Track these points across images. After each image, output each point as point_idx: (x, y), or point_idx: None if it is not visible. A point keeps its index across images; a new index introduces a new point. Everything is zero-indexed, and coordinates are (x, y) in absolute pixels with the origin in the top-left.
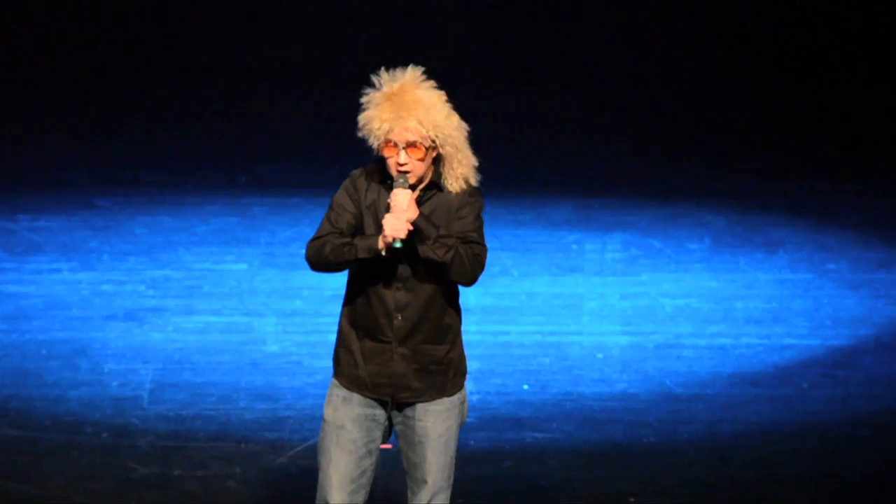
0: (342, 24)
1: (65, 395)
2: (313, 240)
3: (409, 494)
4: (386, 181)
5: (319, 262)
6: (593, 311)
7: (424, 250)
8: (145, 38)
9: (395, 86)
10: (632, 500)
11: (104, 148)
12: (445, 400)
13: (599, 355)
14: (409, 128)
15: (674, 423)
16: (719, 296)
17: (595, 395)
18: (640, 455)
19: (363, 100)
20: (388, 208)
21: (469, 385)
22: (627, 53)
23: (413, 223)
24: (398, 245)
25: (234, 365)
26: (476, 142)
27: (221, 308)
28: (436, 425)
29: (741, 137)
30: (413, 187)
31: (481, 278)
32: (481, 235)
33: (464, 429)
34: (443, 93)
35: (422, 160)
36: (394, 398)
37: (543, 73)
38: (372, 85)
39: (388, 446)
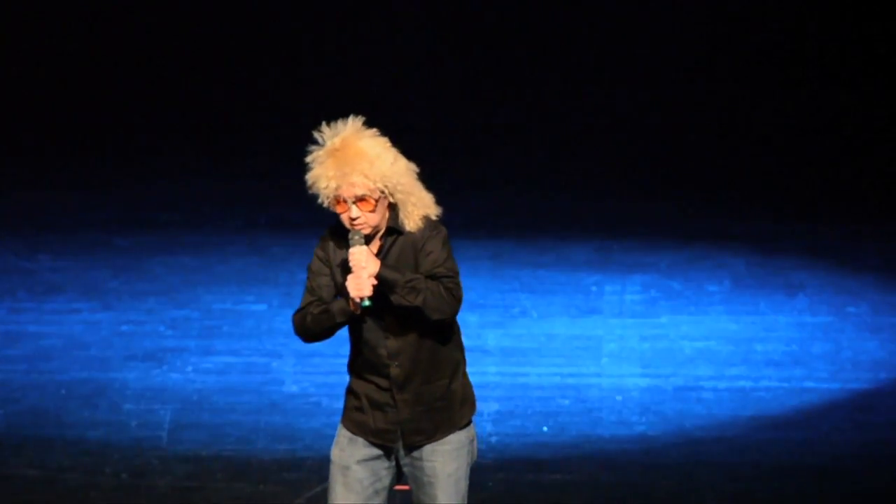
0: (361, 62)
1: (84, 435)
2: (296, 312)
3: None
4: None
5: (306, 334)
6: (612, 353)
7: (396, 299)
8: (165, 78)
9: (338, 141)
10: None
11: (124, 188)
12: (453, 438)
13: (618, 397)
14: (356, 182)
15: (693, 466)
16: (739, 338)
17: (614, 438)
18: (658, 498)
19: (308, 158)
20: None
21: (488, 426)
22: (648, 94)
23: (377, 276)
24: (367, 304)
25: (253, 405)
26: (493, 182)
27: (241, 348)
28: (445, 465)
29: (761, 180)
30: (370, 238)
31: (501, 319)
32: (450, 267)
33: (482, 470)
34: (386, 140)
35: (373, 211)
36: (404, 443)
37: (562, 114)
38: (315, 141)
39: (406, 487)
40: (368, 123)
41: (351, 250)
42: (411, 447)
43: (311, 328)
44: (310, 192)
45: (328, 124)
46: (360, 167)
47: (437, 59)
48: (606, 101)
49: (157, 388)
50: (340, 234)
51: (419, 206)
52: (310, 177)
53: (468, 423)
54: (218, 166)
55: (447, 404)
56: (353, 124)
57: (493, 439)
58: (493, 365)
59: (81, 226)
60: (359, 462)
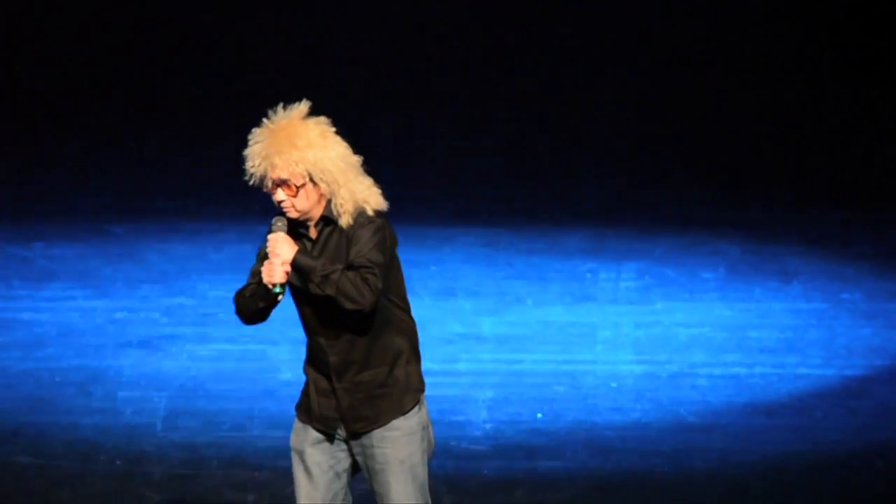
0: (355, 45)
1: (78, 422)
2: (236, 293)
3: None
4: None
5: (240, 314)
6: (607, 340)
7: (312, 287)
8: (160, 64)
9: (273, 123)
10: None
11: (118, 176)
12: (402, 424)
13: (613, 384)
14: (277, 165)
15: (688, 452)
16: (733, 325)
17: (609, 424)
18: (653, 485)
19: (249, 137)
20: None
21: (482, 413)
22: (642, 81)
23: (292, 263)
24: (277, 290)
25: (248, 392)
26: (490, 170)
27: (236, 336)
28: (396, 451)
29: (756, 166)
30: (305, 226)
31: (495, 306)
32: (372, 258)
33: (477, 457)
34: (327, 128)
35: (295, 196)
36: (347, 430)
37: (556, 100)
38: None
39: None
40: (362, 111)
41: (269, 236)
42: (355, 434)
43: (243, 309)
44: (247, 176)
45: (284, 107)
46: (284, 151)
47: (430, 43)
48: (601, 88)
49: (151, 375)
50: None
51: (348, 200)
52: (244, 154)
53: (414, 409)
54: (212, 152)
55: (389, 391)
56: (298, 109)
57: (488, 426)
58: (488, 352)
59: (75, 213)
60: (312, 445)
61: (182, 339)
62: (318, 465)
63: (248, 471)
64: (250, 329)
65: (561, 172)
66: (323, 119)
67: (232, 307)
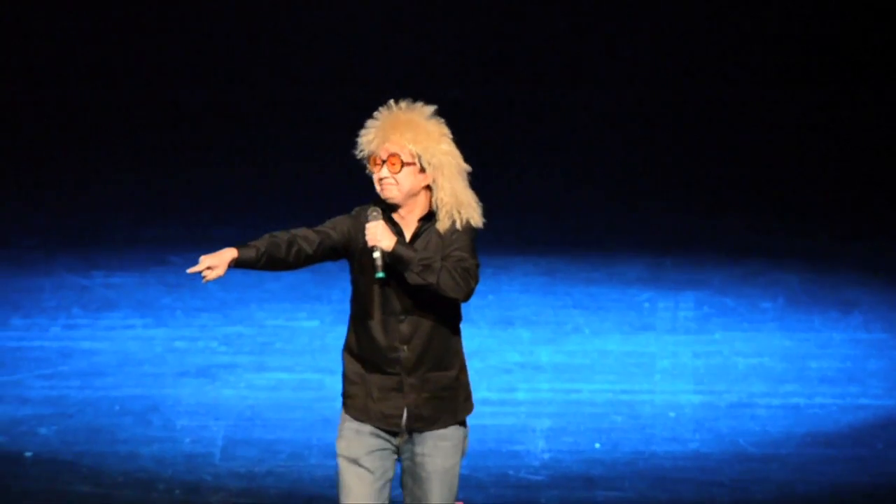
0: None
1: (137, 451)
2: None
3: None
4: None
5: (272, 247)
6: (666, 370)
7: (412, 277)
8: (220, 93)
9: (401, 107)
10: None
11: (177, 205)
12: (453, 434)
13: (672, 414)
14: (393, 139)
15: (747, 483)
16: (793, 355)
17: (667, 454)
18: None
19: (366, 122)
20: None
21: (540, 443)
22: (699, 110)
23: (392, 252)
24: (381, 275)
25: (306, 422)
26: (546, 200)
27: (293, 365)
28: (444, 461)
29: (816, 196)
30: (390, 222)
31: (553, 335)
32: (471, 251)
33: (535, 487)
34: (446, 130)
35: (399, 173)
36: (407, 428)
37: (613, 131)
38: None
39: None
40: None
41: (367, 225)
42: (411, 432)
43: (275, 250)
44: (357, 149)
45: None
46: (403, 129)
47: (482, 75)
48: (659, 119)
49: (210, 404)
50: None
51: (450, 195)
52: (361, 132)
53: (466, 418)
54: (270, 183)
55: (453, 395)
56: (424, 106)
57: (546, 456)
58: (546, 381)
59: (135, 242)
60: (368, 453)
61: (240, 368)
62: (371, 472)
63: (305, 500)
64: (308, 358)
65: (618, 201)
66: (443, 121)
67: (287, 335)
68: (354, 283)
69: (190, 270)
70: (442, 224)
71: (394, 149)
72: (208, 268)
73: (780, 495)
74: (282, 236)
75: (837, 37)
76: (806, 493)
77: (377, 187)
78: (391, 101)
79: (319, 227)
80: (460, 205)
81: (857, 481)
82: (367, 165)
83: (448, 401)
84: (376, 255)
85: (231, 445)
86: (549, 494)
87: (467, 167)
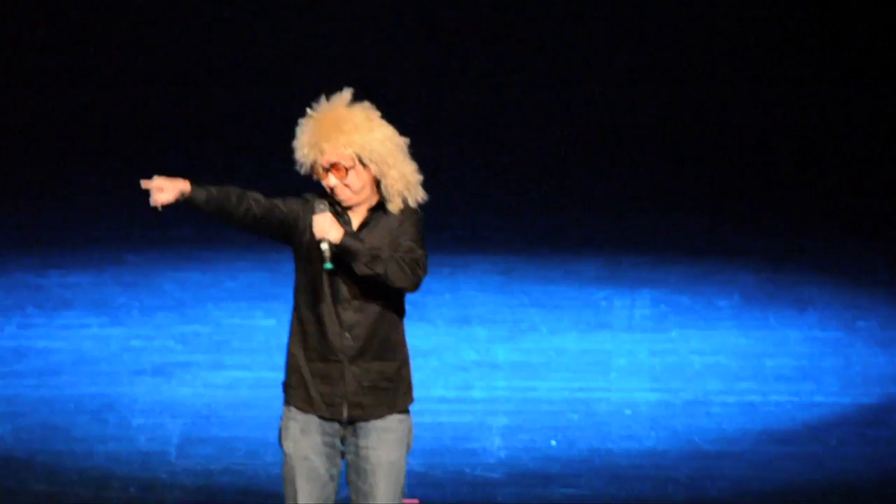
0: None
1: (92, 449)
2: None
3: None
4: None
5: (221, 193)
6: (622, 368)
7: (359, 268)
8: (177, 92)
9: (318, 112)
10: None
11: (133, 204)
12: (398, 427)
13: (628, 412)
14: (326, 150)
15: (702, 480)
16: (749, 353)
17: (623, 452)
18: None
19: (297, 131)
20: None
21: (496, 440)
22: (656, 109)
23: (340, 244)
24: (329, 266)
25: (263, 420)
26: (503, 198)
27: (250, 363)
28: (389, 453)
29: (771, 195)
30: (344, 210)
31: (510, 334)
32: (420, 242)
33: (491, 485)
34: (373, 112)
35: (345, 179)
36: (347, 417)
37: (570, 129)
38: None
39: (415, 501)
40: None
41: (314, 217)
42: (351, 422)
43: (225, 199)
44: (296, 164)
45: (326, 97)
46: (332, 136)
47: (439, 65)
48: (616, 117)
49: (166, 402)
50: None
51: (399, 180)
52: (293, 145)
53: (407, 410)
54: (228, 180)
55: (393, 387)
56: (341, 97)
57: (503, 453)
58: (503, 379)
59: (91, 241)
60: (315, 451)
61: (196, 366)
62: (316, 470)
63: (261, 498)
64: (264, 357)
65: (575, 200)
66: (367, 104)
67: (244, 333)
68: (299, 269)
69: (143, 183)
70: (394, 207)
71: (332, 158)
72: (159, 189)
73: (736, 492)
74: (236, 190)
75: (794, 35)
76: (761, 489)
77: (328, 191)
78: (309, 107)
79: (271, 198)
80: (409, 185)
81: (812, 478)
82: (312, 175)
83: (389, 392)
84: (324, 246)
85: (187, 443)
86: (505, 492)
87: (404, 141)
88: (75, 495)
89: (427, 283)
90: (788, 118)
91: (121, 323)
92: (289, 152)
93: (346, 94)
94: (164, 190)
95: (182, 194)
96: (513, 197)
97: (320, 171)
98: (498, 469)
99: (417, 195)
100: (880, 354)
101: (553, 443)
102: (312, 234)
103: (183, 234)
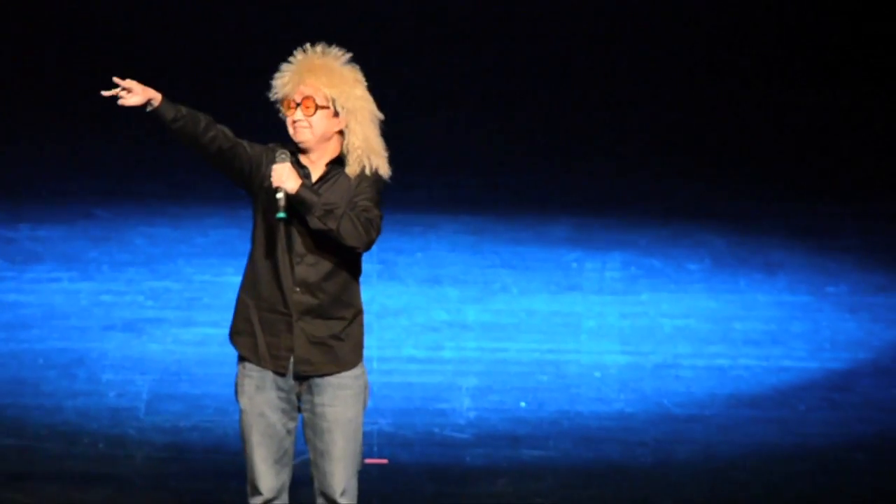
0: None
1: (61, 404)
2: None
3: (316, 485)
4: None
5: (191, 119)
6: (592, 330)
7: (313, 221)
8: (143, 47)
9: (313, 52)
10: None
11: (104, 159)
12: (353, 384)
13: (597, 374)
14: (308, 82)
15: (670, 443)
16: (718, 316)
17: (592, 414)
18: (636, 475)
19: (281, 65)
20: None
21: (466, 401)
22: (628, 71)
23: (296, 195)
24: (282, 215)
25: (232, 377)
26: (475, 160)
27: (220, 320)
28: (345, 410)
29: (742, 158)
30: (298, 166)
31: (481, 295)
32: (377, 202)
33: (460, 445)
34: (362, 77)
35: (313, 116)
36: (294, 372)
37: (542, 91)
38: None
39: (384, 461)
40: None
41: (274, 166)
42: (298, 376)
43: (193, 122)
44: (271, 92)
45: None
46: (319, 72)
47: (410, 25)
48: (586, 78)
49: (135, 358)
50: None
51: (362, 141)
52: (275, 75)
53: (360, 367)
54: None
55: (341, 345)
56: (339, 52)
57: (472, 414)
58: (473, 340)
59: (62, 195)
60: (270, 407)
61: (167, 322)
62: (273, 426)
63: (230, 455)
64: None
65: (547, 162)
66: (358, 68)
67: (215, 290)
68: (257, 218)
69: (115, 79)
70: (351, 169)
71: (308, 91)
72: (128, 91)
73: (704, 456)
74: (206, 117)
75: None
76: (729, 453)
77: (290, 130)
78: (307, 45)
79: (239, 138)
80: (371, 151)
81: (780, 442)
82: (281, 108)
83: (335, 350)
84: (279, 195)
85: (156, 400)
86: (474, 452)
87: (380, 115)
88: (44, 450)
89: (398, 242)
90: (759, 81)
91: (91, 278)
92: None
93: (344, 54)
94: (134, 92)
95: (150, 103)
96: (484, 156)
97: (290, 104)
98: (467, 430)
99: (381, 167)
100: (849, 319)
101: (522, 404)
102: (271, 183)
103: (154, 189)
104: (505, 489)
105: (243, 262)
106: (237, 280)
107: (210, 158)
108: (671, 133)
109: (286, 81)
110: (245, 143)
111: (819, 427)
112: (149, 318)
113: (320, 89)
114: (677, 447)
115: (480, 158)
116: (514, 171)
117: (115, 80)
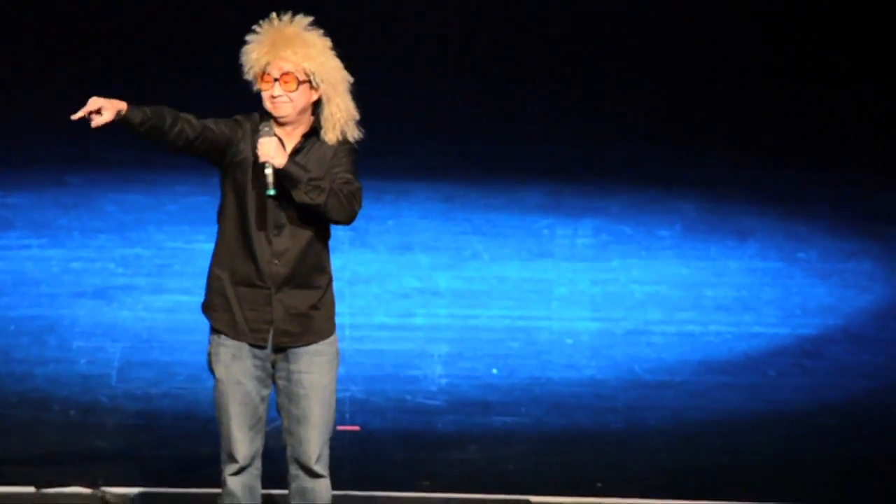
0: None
1: (32, 371)
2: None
3: (290, 452)
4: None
5: (157, 116)
6: (563, 297)
7: (299, 195)
8: (115, 10)
9: (281, 21)
10: (599, 485)
11: (75, 125)
12: (328, 350)
13: (569, 341)
14: (284, 56)
15: (641, 409)
16: (689, 283)
17: (563, 381)
18: (607, 441)
19: (248, 37)
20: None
21: (437, 368)
22: (600, 38)
23: (283, 170)
24: (271, 192)
25: (203, 344)
26: (446, 125)
27: (192, 287)
28: (321, 377)
29: (713, 125)
30: (288, 133)
31: (452, 261)
32: (354, 173)
33: (432, 412)
34: (329, 42)
35: (294, 91)
36: (273, 344)
37: (513, 57)
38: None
39: (356, 428)
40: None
41: (260, 140)
42: (278, 348)
43: (160, 121)
44: (242, 65)
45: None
46: (295, 45)
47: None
48: (556, 45)
49: (106, 325)
50: (256, 127)
51: (343, 111)
52: (243, 51)
53: (335, 335)
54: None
55: (318, 314)
56: (301, 18)
57: (443, 381)
58: (444, 307)
59: (32, 162)
60: (246, 375)
61: (138, 289)
62: (248, 394)
63: (201, 422)
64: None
65: (520, 127)
66: (323, 32)
67: (186, 257)
68: (228, 193)
69: (80, 113)
70: (329, 137)
71: (287, 67)
72: (98, 112)
73: (674, 422)
74: (171, 112)
75: None
76: (699, 419)
77: (267, 104)
78: (273, 15)
79: (202, 120)
80: (350, 119)
81: (750, 408)
82: (255, 83)
83: (313, 319)
84: (268, 171)
85: (127, 367)
86: (445, 419)
87: (351, 79)
88: (15, 417)
89: (369, 209)
90: (732, 48)
91: (61, 245)
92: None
93: (306, 19)
94: (104, 110)
95: (119, 114)
96: (456, 123)
97: (267, 79)
98: (438, 396)
99: (354, 132)
100: (819, 285)
101: (494, 371)
102: (255, 156)
103: (125, 156)
104: (476, 455)
105: (215, 229)
106: (208, 247)
107: (178, 151)
108: (643, 100)
109: (260, 56)
110: (210, 124)
111: (789, 393)
112: (120, 286)
113: (299, 64)
114: (648, 413)
115: (452, 123)
116: (487, 138)
117: (79, 114)
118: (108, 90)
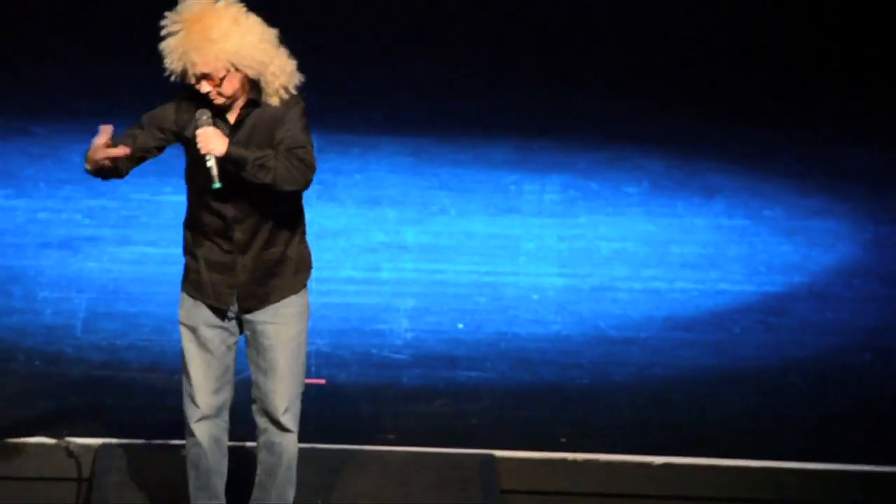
0: None
1: None
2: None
3: (258, 405)
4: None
5: (88, 162)
6: (530, 253)
7: (247, 176)
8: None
9: (185, 13)
10: (563, 440)
11: (41, 75)
12: (296, 301)
13: (535, 296)
14: (197, 62)
15: (606, 365)
16: (656, 240)
17: (529, 336)
18: (572, 396)
19: (162, 23)
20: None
21: (403, 322)
22: None
23: (225, 156)
24: (218, 186)
25: (170, 297)
26: (414, 81)
27: (158, 239)
28: (287, 329)
29: (681, 82)
30: (228, 108)
31: (419, 216)
32: (305, 138)
33: (398, 366)
34: (237, 11)
35: (219, 86)
36: (239, 307)
37: (483, 12)
38: None
39: (322, 381)
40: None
41: (197, 132)
42: (245, 310)
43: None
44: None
45: None
46: (202, 47)
47: None
48: (530, 2)
49: (72, 276)
50: (199, 101)
51: (280, 75)
52: (161, 48)
53: (303, 288)
54: (138, 55)
55: (283, 269)
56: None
57: (410, 335)
58: (411, 261)
59: None
60: (206, 324)
61: (104, 241)
62: (211, 341)
63: (166, 374)
64: (172, 233)
65: (487, 83)
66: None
67: (153, 209)
68: (189, 161)
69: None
70: (273, 101)
71: (205, 69)
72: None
73: (639, 378)
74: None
75: None
76: (664, 375)
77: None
78: (168, 9)
79: (129, 135)
80: (289, 76)
81: (715, 364)
82: (174, 79)
83: (278, 276)
84: (210, 163)
85: (93, 318)
86: (411, 373)
87: (274, 32)
88: None
89: (337, 163)
90: (698, 8)
91: (27, 195)
92: None
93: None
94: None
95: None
96: (424, 77)
97: (192, 80)
98: (404, 351)
99: (296, 81)
100: (785, 243)
101: (460, 326)
102: (195, 135)
103: (90, 107)
104: (442, 409)
105: (181, 181)
106: (175, 199)
107: (130, 170)
108: (611, 55)
109: (176, 63)
110: (144, 128)
111: (754, 350)
112: (85, 237)
113: (213, 63)
114: (613, 369)
115: (420, 78)
116: (455, 91)
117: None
118: (76, 43)
